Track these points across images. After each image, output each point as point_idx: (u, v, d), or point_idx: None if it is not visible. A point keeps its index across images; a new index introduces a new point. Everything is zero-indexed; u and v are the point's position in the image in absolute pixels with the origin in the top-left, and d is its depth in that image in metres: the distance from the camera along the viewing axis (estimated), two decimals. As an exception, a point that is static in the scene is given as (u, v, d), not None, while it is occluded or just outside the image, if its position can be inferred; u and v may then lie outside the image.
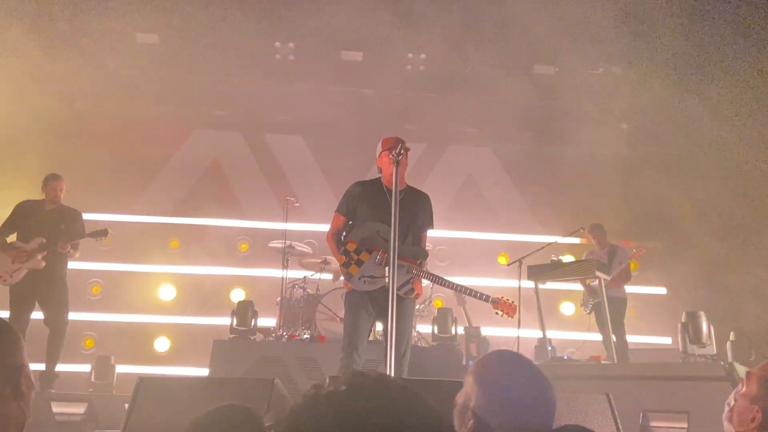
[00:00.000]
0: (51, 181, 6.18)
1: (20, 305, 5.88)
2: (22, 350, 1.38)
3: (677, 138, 8.48)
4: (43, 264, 5.91)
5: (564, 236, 7.44)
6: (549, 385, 1.67)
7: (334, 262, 6.77)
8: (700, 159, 8.18)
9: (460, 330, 7.20)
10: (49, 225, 6.02)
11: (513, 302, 4.13)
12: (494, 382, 1.64)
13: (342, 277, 4.27)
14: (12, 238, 6.09)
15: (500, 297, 4.15)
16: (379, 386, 0.89)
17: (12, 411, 1.30)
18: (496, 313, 4.13)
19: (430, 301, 7.48)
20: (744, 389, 1.75)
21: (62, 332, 6.04)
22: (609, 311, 7.05)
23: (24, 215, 6.09)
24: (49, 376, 5.93)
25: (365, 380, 0.90)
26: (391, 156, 3.91)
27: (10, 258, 5.89)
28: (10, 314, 5.86)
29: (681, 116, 8.11)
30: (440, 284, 4.22)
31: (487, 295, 4.12)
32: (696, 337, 5.94)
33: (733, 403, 1.82)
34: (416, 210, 4.26)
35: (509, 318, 4.16)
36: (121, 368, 6.93)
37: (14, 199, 6.31)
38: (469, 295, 4.17)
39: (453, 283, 4.24)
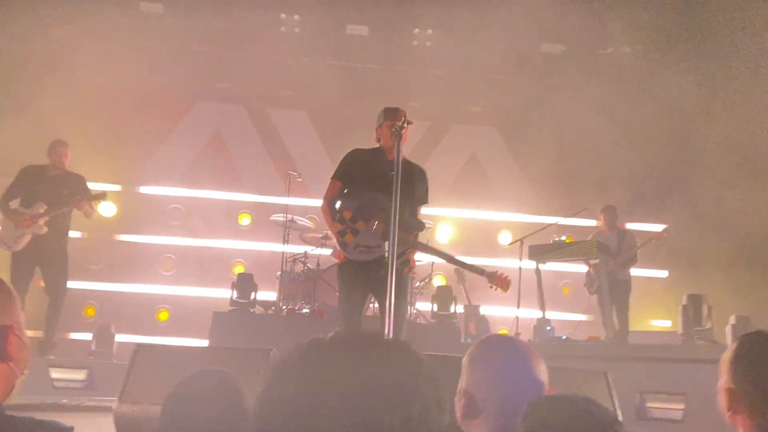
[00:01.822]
0: (57, 147, 6.17)
1: (20, 271, 5.89)
2: (11, 310, 1.35)
3: (681, 122, 8.39)
4: (45, 229, 5.93)
5: (567, 217, 7.41)
6: (539, 368, 1.65)
7: (335, 237, 6.75)
8: (705, 142, 8.09)
9: (460, 308, 7.21)
10: (52, 191, 6.03)
11: (507, 276, 4.06)
12: (486, 362, 1.67)
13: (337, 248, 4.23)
14: (15, 203, 6.08)
15: (495, 271, 4.08)
16: (362, 338, 0.87)
17: (2, 372, 1.28)
18: (490, 287, 4.07)
19: (430, 279, 7.47)
20: (721, 377, 1.76)
21: (61, 301, 6.07)
22: (614, 294, 7.05)
23: (28, 180, 6.09)
24: (47, 343, 5.96)
25: (347, 334, 0.88)
26: (393, 129, 3.84)
27: (14, 224, 5.90)
28: (11, 279, 5.84)
29: (686, 98, 8.02)
30: (436, 255, 4.19)
31: (482, 269, 4.06)
32: (696, 320, 5.94)
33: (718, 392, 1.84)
34: (413, 183, 4.19)
35: (503, 293, 4.08)
36: (120, 337, 6.96)
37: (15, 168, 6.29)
38: (464, 267, 4.13)
39: (448, 255, 4.21)
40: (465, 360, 1.71)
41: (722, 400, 1.61)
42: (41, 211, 5.95)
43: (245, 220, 9.13)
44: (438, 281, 8.15)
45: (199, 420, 1.58)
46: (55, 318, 6.04)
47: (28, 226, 5.89)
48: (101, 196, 6.13)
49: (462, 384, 1.67)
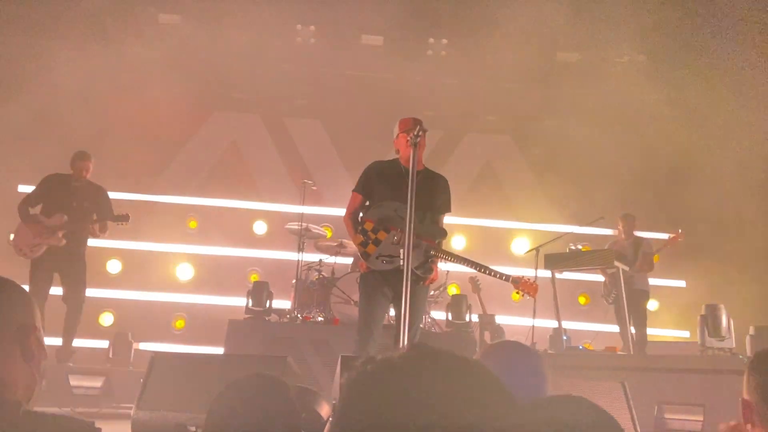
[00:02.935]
0: (78, 160, 6.21)
1: (40, 279, 5.94)
2: (34, 312, 1.37)
3: (697, 130, 8.33)
4: (63, 242, 5.97)
5: (583, 225, 7.36)
6: (547, 379, 1.65)
7: (351, 246, 6.76)
8: (722, 151, 8.02)
9: (475, 317, 7.17)
10: (74, 202, 6.08)
11: (534, 281, 4.05)
12: (495, 364, 1.64)
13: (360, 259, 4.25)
14: (36, 210, 6.15)
15: (521, 277, 4.07)
16: (439, 358, 0.84)
17: (21, 373, 1.29)
18: (517, 293, 4.04)
19: (445, 288, 7.45)
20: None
21: (79, 309, 6.12)
22: (631, 303, 6.99)
23: (50, 189, 6.15)
24: (65, 351, 6.02)
25: (424, 350, 0.85)
26: (409, 138, 3.87)
27: (32, 233, 5.96)
28: (30, 288, 5.90)
29: (703, 107, 7.97)
30: (459, 263, 4.18)
31: (507, 275, 4.05)
32: (715, 330, 5.87)
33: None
34: (434, 191, 4.23)
35: (531, 297, 4.05)
36: (138, 345, 7.01)
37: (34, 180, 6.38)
38: (488, 273, 4.10)
39: (472, 262, 4.20)
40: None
41: (740, 411, 1.60)
42: (60, 222, 6.00)
43: (260, 228, 9.17)
44: (453, 290, 8.13)
45: (246, 421, 1.56)
46: (73, 326, 6.09)
47: (45, 238, 5.93)
48: (124, 218, 6.14)
49: None
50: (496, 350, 1.72)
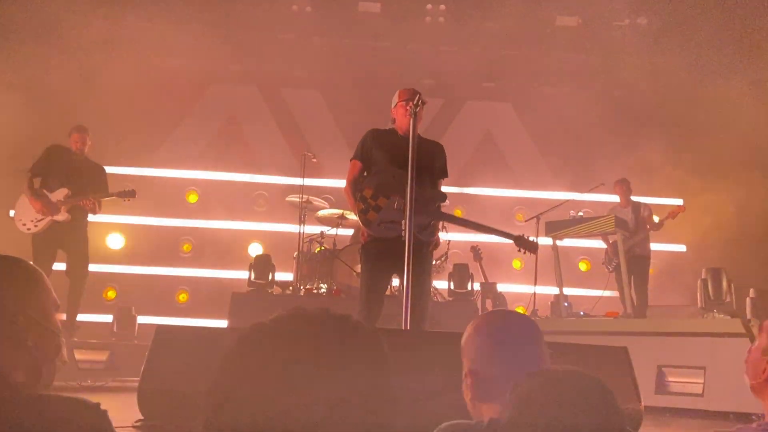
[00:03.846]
0: (74, 132, 6.18)
1: (42, 255, 5.93)
2: (28, 296, 1.33)
3: (697, 93, 8.25)
4: (68, 216, 5.97)
5: (583, 192, 7.34)
6: (543, 345, 1.62)
7: (352, 217, 6.76)
8: (721, 113, 7.95)
9: (477, 286, 7.21)
10: (74, 175, 6.05)
11: (535, 240, 4.12)
12: (488, 333, 1.62)
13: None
14: (37, 183, 6.11)
15: (521, 234, 4.15)
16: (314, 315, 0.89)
17: (19, 358, 1.28)
18: (518, 251, 4.10)
19: (447, 257, 7.47)
20: (757, 342, 1.76)
21: (82, 284, 6.14)
22: (633, 269, 7.01)
23: (53, 160, 6.09)
24: (70, 326, 6.06)
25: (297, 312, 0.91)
26: (407, 108, 3.84)
27: (36, 208, 5.94)
28: (34, 260, 5.92)
29: (704, 71, 7.89)
30: (460, 224, 4.20)
31: (508, 233, 4.11)
32: (715, 294, 5.89)
33: (747, 356, 1.84)
34: (431, 157, 4.20)
35: (532, 255, 4.14)
36: (142, 319, 7.06)
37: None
38: (490, 233, 4.14)
39: (473, 223, 4.22)
40: (464, 338, 1.65)
41: (758, 366, 1.60)
42: (63, 197, 5.98)
43: (261, 201, 9.16)
44: (454, 258, 8.14)
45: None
46: (76, 301, 6.12)
47: (49, 213, 5.92)
48: (130, 194, 6.14)
49: (465, 364, 1.62)
50: (489, 321, 1.70)
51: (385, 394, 0.84)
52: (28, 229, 5.94)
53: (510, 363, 1.54)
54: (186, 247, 8.90)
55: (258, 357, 0.84)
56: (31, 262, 1.45)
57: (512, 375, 1.46)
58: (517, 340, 1.60)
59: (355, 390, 0.81)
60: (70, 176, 6.03)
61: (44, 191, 6.03)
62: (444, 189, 4.41)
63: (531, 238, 4.18)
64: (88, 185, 6.08)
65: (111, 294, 8.51)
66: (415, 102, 3.79)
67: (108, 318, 7.09)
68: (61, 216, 5.95)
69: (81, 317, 6.32)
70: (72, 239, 6.08)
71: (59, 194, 5.99)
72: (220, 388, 0.83)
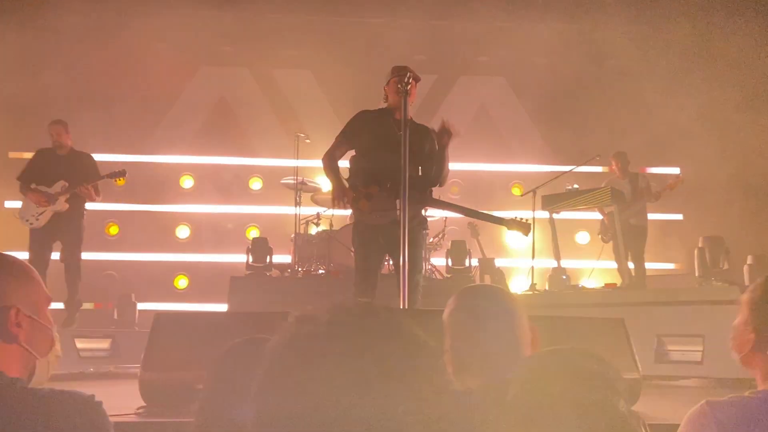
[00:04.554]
0: (50, 126, 6.23)
1: (40, 246, 6.01)
2: (19, 290, 1.32)
3: (692, 62, 8.20)
4: (67, 206, 6.03)
5: (579, 165, 7.32)
6: (522, 318, 1.63)
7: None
8: (718, 79, 7.91)
9: (474, 262, 7.22)
10: (65, 169, 6.11)
11: (526, 220, 4.10)
12: (466, 307, 1.65)
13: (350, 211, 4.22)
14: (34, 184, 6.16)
15: (513, 218, 4.13)
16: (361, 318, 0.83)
17: (11, 352, 1.28)
18: (510, 230, 4.11)
19: (444, 234, 7.47)
20: (739, 317, 1.77)
21: (76, 268, 6.17)
22: (630, 240, 7.01)
23: (42, 162, 6.20)
24: (69, 317, 6.09)
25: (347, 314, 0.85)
26: (399, 85, 3.80)
27: (34, 201, 5.99)
28: (30, 255, 5.97)
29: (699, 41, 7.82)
30: (451, 210, 4.19)
31: (499, 218, 4.09)
32: (713, 262, 5.91)
33: (732, 333, 1.84)
34: (421, 141, 4.16)
35: (524, 236, 4.13)
36: (142, 305, 7.08)
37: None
38: (481, 218, 4.14)
39: (463, 208, 4.20)
40: (445, 313, 1.67)
41: (743, 338, 1.60)
42: (60, 188, 6.04)
43: (256, 184, 9.14)
44: (452, 235, 8.15)
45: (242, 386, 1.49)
46: (75, 290, 6.15)
47: (49, 204, 5.98)
48: (120, 173, 6.19)
49: (446, 339, 1.63)
50: (465, 296, 1.70)
51: (447, 401, 0.81)
52: (31, 224, 6.01)
53: (486, 338, 1.56)
54: (181, 230, 8.88)
55: (311, 360, 0.80)
56: (28, 253, 1.45)
57: (489, 349, 1.52)
58: (493, 315, 1.60)
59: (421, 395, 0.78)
60: (61, 172, 6.07)
61: (43, 187, 6.08)
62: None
63: (522, 219, 4.15)
64: (79, 175, 6.09)
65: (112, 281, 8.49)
66: (405, 80, 3.75)
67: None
68: (60, 206, 6.00)
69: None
70: (67, 229, 6.11)
71: (56, 187, 6.06)
72: (272, 380, 0.80)
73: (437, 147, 4.20)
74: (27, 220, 6.01)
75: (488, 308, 1.61)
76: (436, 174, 4.22)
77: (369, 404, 0.74)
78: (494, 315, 1.60)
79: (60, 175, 6.06)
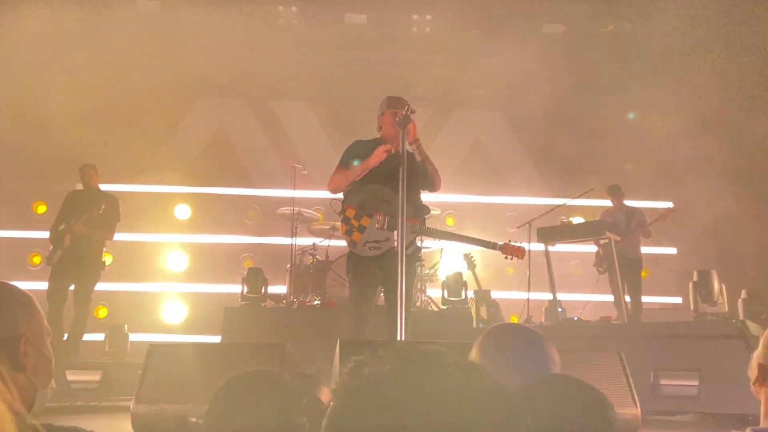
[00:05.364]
0: (79, 171, 6.69)
1: (58, 279, 6.29)
2: (28, 319, 1.33)
3: (685, 98, 8.33)
4: (83, 228, 6.33)
5: (573, 198, 7.37)
6: (553, 357, 1.62)
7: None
8: (709, 117, 8.02)
9: (470, 294, 7.20)
10: (88, 208, 6.41)
11: (520, 245, 4.10)
12: (498, 352, 1.61)
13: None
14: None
15: (507, 242, 4.13)
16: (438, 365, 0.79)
17: (17, 382, 1.27)
18: (506, 258, 4.10)
19: (439, 265, 7.47)
20: (759, 350, 1.80)
21: (86, 308, 6.40)
22: (625, 273, 7.03)
23: (70, 205, 6.59)
24: (72, 347, 6.18)
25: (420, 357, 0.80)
26: (397, 118, 3.81)
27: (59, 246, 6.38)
28: (48, 291, 6.24)
29: (687, 77, 7.96)
30: (445, 238, 4.19)
31: (493, 243, 4.09)
32: (707, 296, 5.92)
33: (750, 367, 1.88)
34: (415, 170, 4.14)
35: (519, 260, 4.15)
36: (134, 336, 7.00)
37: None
38: (475, 244, 4.12)
39: (457, 235, 4.20)
40: (474, 350, 1.64)
41: (751, 371, 1.64)
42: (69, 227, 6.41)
43: (252, 214, 9.15)
44: (447, 267, 8.14)
45: (245, 421, 1.48)
46: (81, 324, 6.33)
47: (69, 239, 6.32)
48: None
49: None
50: (496, 336, 1.69)
51: None
52: (50, 263, 6.41)
53: (520, 371, 1.54)
54: (176, 258, 8.84)
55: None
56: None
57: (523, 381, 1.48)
58: (529, 358, 1.59)
59: None
60: (83, 211, 6.40)
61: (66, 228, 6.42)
62: (435, 197, 4.41)
63: (517, 244, 4.17)
64: (100, 216, 6.40)
65: (102, 313, 8.43)
66: (404, 111, 3.75)
67: (100, 336, 7.03)
68: (78, 230, 6.34)
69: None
70: (86, 267, 6.40)
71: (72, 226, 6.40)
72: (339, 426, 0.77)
73: (418, 161, 4.14)
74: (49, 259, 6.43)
75: (519, 345, 1.61)
76: (429, 185, 4.21)
77: None
78: (525, 351, 1.60)
79: (83, 214, 6.37)
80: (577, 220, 8.03)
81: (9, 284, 1.38)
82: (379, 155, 3.98)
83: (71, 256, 6.31)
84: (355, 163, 4.10)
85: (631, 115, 8.07)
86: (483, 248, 4.18)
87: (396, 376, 0.76)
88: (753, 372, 1.67)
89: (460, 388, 0.76)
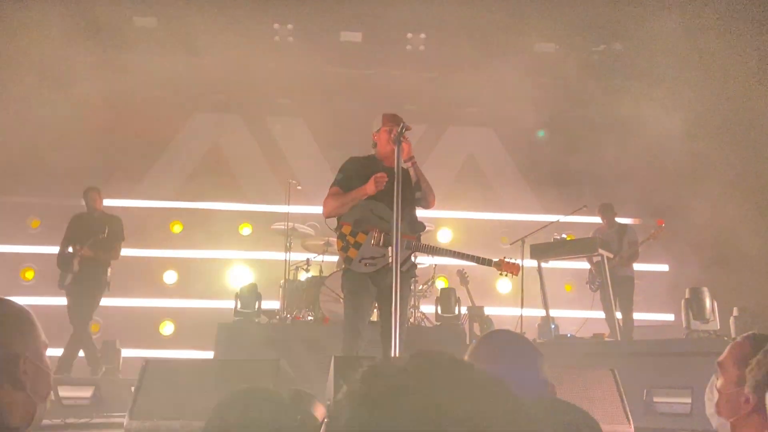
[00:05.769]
0: (83, 195, 6.82)
1: (75, 298, 6.49)
2: (26, 337, 1.34)
3: (675, 116, 8.43)
4: (89, 252, 6.47)
5: (566, 215, 7.42)
6: (543, 366, 1.64)
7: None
8: (700, 135, 8.11)
9: (464, 310, 7.21)
10: (91, 232, 6.54)
11: (515, 261, 4.11)
12: (491, 360, 1.61)
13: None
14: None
15: (501, 258, 4.13)
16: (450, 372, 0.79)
17: (17, 400, 1.28)
18: (500, 274, 4.10)
19: (433, 281, 7.49)
20: (721, 379, 1.68)
21: (85, 326, 6.53)
22: (617, 290, 7.06)
23: (75, 228, 6.71)
24: (66, 363, 6.23)
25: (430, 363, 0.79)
26: (392, 135, 3.85)
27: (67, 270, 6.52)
28: (68, 308, 6.54)
29: (677, 95, 8.06)
30: (440, 255, 4.19)
31: (489, 259, 4.09)
32: (699, 313, 5.95)
33: (716, 397, 1.75)
34: (409, 186, 4.16)
35: (514, 276, 4.13)
36: (126, 352, 6.96)
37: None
38: (470, 260, 4.12)
39: (452, 252, 4.20)
40: (467, 358, 1.65)
41: (737, 399, 1.54)
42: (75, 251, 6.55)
43: (246, 230, 9.15)
44: (441, 283, 8.17)
45: None
46: (78, 341, 6.41)
47: (78, 263, 6.46)
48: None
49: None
50: (487, 341, 1.71)
51: None
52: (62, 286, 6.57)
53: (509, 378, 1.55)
54: (168, 275, 8.82)
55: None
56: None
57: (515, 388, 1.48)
58: (513, 361, 1.60)
59: None
60: (89, 234, 6.53)
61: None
62: (429, 213, 4.43)
63: (512, 260, 4.18)
64: (105, 239, 6.51)
65: (94, 328, 8.36)
66: (399, 130, 3.77)
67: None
68: (86, 251, 6.48)
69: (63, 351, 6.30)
70: (90, 286, 6.53)
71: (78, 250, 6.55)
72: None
73: (413, 179, 4.16)
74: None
75: (509, 348, 1.62)
76: (424, 202, 4.21)
77: None
78: (515, 355, 1.61)
79: (88, 236, 6.50)
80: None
81: (7, 301, 1.39)
82: (378, 185, 3.96)
83: (79, 277, 6.51)
84: (350, 181, 4.11)
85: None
86: (476, 264, 4.18)
87: (412, 387, 0.75)
88: (737, 403, 1.55)
89: (481, 402, 0.76)
